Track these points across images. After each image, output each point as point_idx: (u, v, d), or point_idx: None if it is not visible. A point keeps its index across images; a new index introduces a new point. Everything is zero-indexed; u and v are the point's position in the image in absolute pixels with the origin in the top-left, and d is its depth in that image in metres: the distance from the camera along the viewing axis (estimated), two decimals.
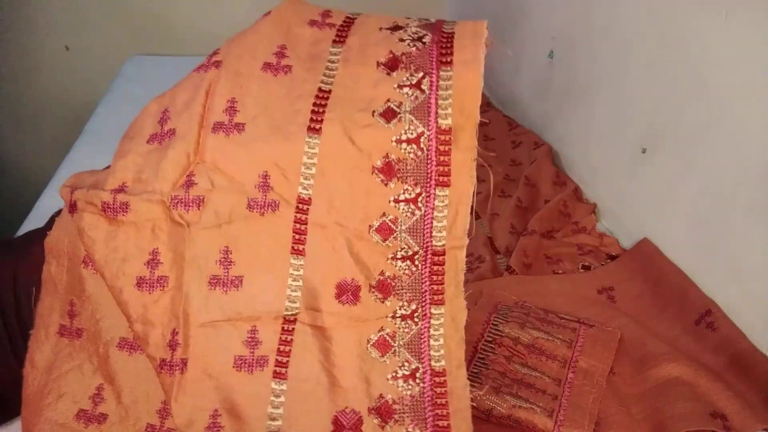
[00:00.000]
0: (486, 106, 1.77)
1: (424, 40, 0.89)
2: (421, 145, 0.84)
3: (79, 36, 2.05)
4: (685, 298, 1.04)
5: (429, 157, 0.84)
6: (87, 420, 0.83)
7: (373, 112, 0.85)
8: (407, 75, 0.87)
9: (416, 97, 0.85)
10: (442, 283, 0.84)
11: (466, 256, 1.20)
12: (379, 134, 0.84)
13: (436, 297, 0.83)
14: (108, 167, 0.91)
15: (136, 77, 1.89)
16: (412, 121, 0.85)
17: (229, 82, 0.89)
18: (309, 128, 0.85)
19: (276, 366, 0.81)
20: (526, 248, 1.22)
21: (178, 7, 2.06)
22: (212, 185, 0.85)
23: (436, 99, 0.85)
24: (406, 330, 0.83)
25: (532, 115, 1.64)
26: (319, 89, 0.87)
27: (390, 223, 0.85)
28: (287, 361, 0.81)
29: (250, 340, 0.81)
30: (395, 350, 0.83)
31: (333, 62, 0.90)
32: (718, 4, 0.95)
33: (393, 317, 0.84)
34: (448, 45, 0.87)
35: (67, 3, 1.99)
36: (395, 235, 0.85)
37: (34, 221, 1.22)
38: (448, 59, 0.86)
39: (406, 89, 0.86)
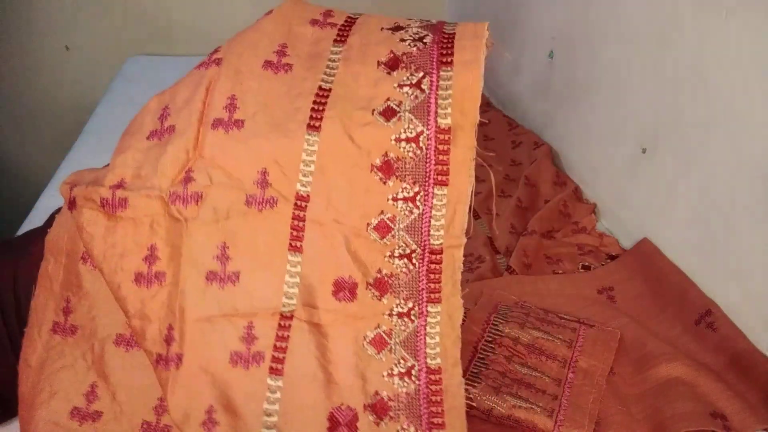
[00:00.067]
0: (486, 106, 1.77)
1: (424, 41, 0.89)
2: (420, 144, 0.85)
3: (79, 36, 2.05)
4: (685, 298, 1.04)
5: (428, 156, 0.85)
6: (81, 418, 0.83)
7: (373, 110, 0.85)
8: (407, 74, 0.87)
9: (416, 97, 0.86)
10: (439, 282, 0.84)
11: (467, 256, 1.21)
12: (378, 132, 0.85)
13: (432, 295, 0.84)
14: (108, 165, 0.92)
15: (136, 77, 1.89)
16: (411, 120, 0.85)
17: (229, 79, 0.89)
18: (308, 126, 0.85)
19: (272, 362, 0.81)
20: (526, 248, 1.22)
21: (178, 8, 2.06)
22: (211, 181, 0.85)
23: (436, 98, 0.85)
24: (403, 328, 0.83)
25: (532, 115, 1.64)
26: (320, 87, 0.88)
27: (388, 221, 0.85)
28: (283, 357, 0.81)
29: (246, 335, 0.81)
30: (391, 348, 0.83)
31: (333, 61, 0.91)
32: (718, 4, 0.95)
33: (389, 315, 0.84)
34: (449, 45, 0.88)
35: (67, 3, 1.99)
36: (393, 233, 0.85)
37: (34, 221, 1.22)
38: (449, 59, 0.86)
39: (406, 88, 0.86)
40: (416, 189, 0.85)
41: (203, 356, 0.80)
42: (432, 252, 0.84)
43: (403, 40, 0.90)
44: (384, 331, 0.83)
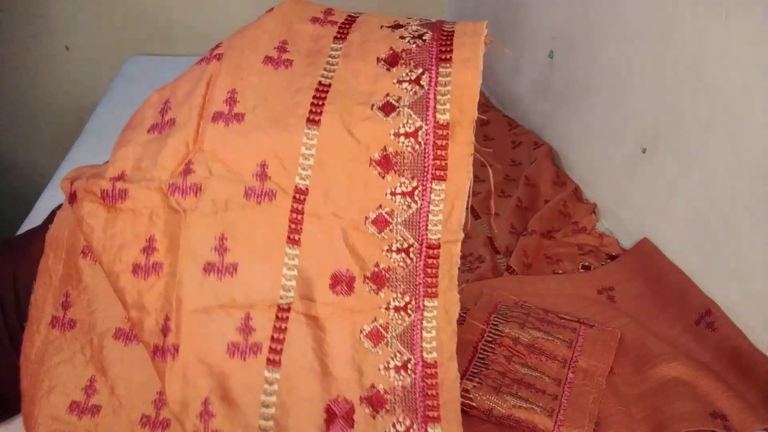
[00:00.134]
0: (486, 106, 1.77)
1: (424, 38, 0.90)
2: (419, 139, 0.85)
3: (79, 36, 2.05)
4: (685, 298, 1.04)
5: (426, 151, 0.85)
6: (80, 412, 0.83)
7: (372, 105, 0.86)
8: (407, 71, 0.88)
9: (415, 93, 0.86)
10: (436, 276, 0.84)
11: (467, 256, 1.22)
12: (377, 127, 0.85)
13: (429, 290, 0.84)
14: (109, 160, 0.92)
15: (136, 77, 1.89)
16: (410, 115, 0.86)
17: (229, 73, 0.90)
18: (308, 120, 0.86)
19: (270, 353, 0.81)
20: (526, 248, 1.22)
21: (179, 8, 2.06)
22: (210, 173, 0.85)
23: (435, 94, 0.86)
24: (399, 321, 0.84)
25: (532, 115, 1.64)
26: (319, 83, 0.89)
27: (386, 216, 0.86)
28: (281, 349, 0.81)
29: (243, 326, 0.82)
30: (388, 341, 0.83)
31: (333, 57, 0.92)
32: (718, 4, 0.95)
33: (386, 309, 0.84)
34: (448, 43, 0.88)
35: (67, 3, 1.99)
36: (391, 227, 0.86)
37: (34, 221, 1.22)
38: (448, 56, 0.87)
39: (405, 84, 0.87)
40: (414, 184, 0.85)
41: (200, 347, 0.81)
42: (429, 247, 0.85)
43: (402, 38, 0.91)
44: (381, 325, 0.84)
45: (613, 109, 1.27)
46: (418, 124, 0.85)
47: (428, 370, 0.81)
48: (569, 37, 1.43)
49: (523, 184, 1.40)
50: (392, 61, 0.89)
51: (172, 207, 0.85)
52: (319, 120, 0.86)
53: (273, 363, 0.81)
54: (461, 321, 1.02)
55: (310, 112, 0.86)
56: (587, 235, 1.28)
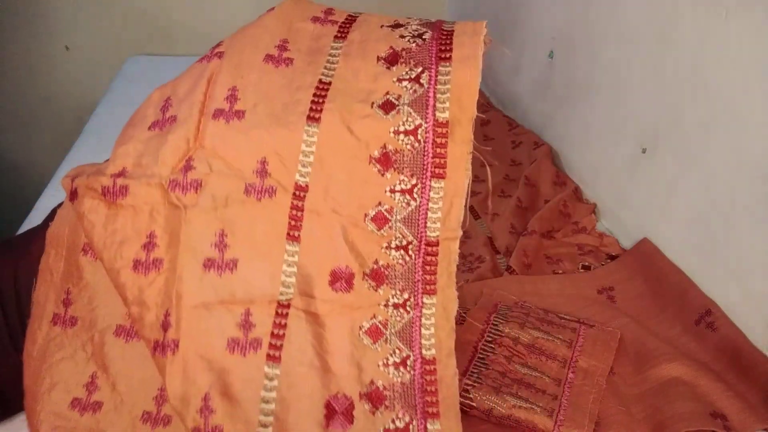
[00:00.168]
0: (486, 106, 1.77)
1: (424, 37, 0.91)
2: (419, 137, 0.86)
3: (79, 36, 2.05)
4: (685, 298, 1.05)
5: (426, 149, 0.86)
6: (82, 408, 0.83)
7: (372, 103, 0.87)
8: (407, 69, 0.89)
9: (415, 91, 0.87)
10: (435, 274, 0.85)
11: (467, 256, 1.22)
12: (377, 125, 0.86)
13: (428, 287, 0.84)
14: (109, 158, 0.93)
15: (136, 77, 1.89)
16: (410, 113, 0.86)
17: (230, 71, 0.91)
18: (308, 117, 0.86)
19: (269, 349, 0.81)
20: (526, 248, 1.22)
21: (178, 8, 2.06)
22: (210, 170, 0.86)
23: (435, 93, 0.86)
24: (398, 318, 0.84)
25: (532, 115, 1.64)
26: (320, 81, 0.89)
27: (385, 213, 0.86)
28: (281, 345, 0.81)
29: (243, 322, 0.82)
30: (387, 338, 0.83)
31: (334, 56, 0.92)
32: (718, 4, 0.95)
33: (385, 305, 0.85)
34: (448, 42, 0.89)
35: (67, 3, 1.99)
36: (390, 224, 0.86)
37: (34, 221, 1.22)
38: (447, 55, 0.88)
39: (405, 83, 0.88)
40: (414, 181, 0.86)
41: (200, 342, 0.81)
42: (428, 244, 0.85)
43: (402, 37, 0.92)
44: (380, 322, 0.84)
45: (613, 109, 1.27)
46: (417, 122, 0.86)
47: (427, 367, 0.82)
48: (569, 37, 1.43)
49: (523, 184, 1.40)
50: (392, 59, 0.89)
51: (173, 203, 0.85)
52: (320, 117, 0.86)
53: (273, 359, 0.81)
54: (461, 321, 1.02)
55: (311, 109, 0.87)
56: (587, 235, 1.28)
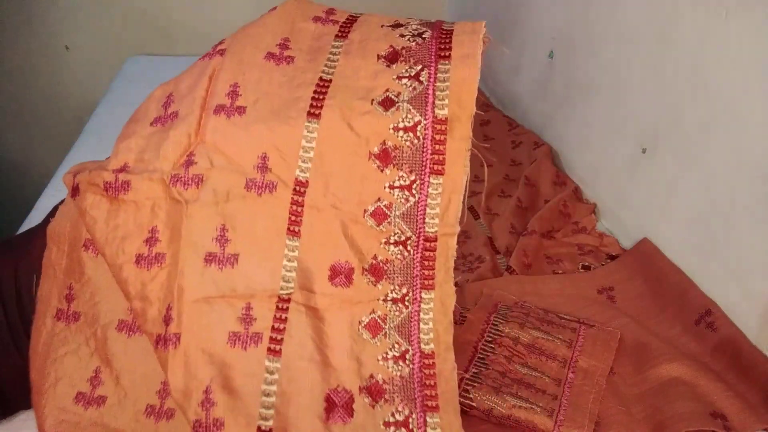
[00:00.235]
0: (486, 106, 1.77)
1: (424, 36, 0.92)
2: (418, 134, 0.87)
3: (79, 36, 2.05)
4: (685, 298, 1.05)
5: (425, 145, 0.87)
6: (86, 403, 0.84)
7: (372, 100, 0.88)
8: (406, 67, 0.90)
9: (414, 88, 0.88)
10: (433, 269, 0.86)
11: (467, 256, 1.22)
12: (377, 121, 0.87)
13: (426, 282, 0.85)
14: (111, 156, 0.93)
15: (136, 77, 1.89)
16: (409, 110, 0.87)
17: (232, 68, 0.92)
18: (309, 113, 0.87)
19: (270, 343, 0.82)
20: (526, 248, 1.22)
21: (178, 8, 2.06)
22: (212, 165, 0.87)
23: (434, 90, 0.87)
24: (397, 313, 0.85)
25: (532, 115, 1.64)
26: (320, 78, 0.90)
27: (384, 209, 0.87)
28: (281, 339, 0.82)
29: (244, 316, 0.83)
30: (386, 332, 0.84)
31: (334, 54, 0.94)
32: (718, 4, 0.95)
33: (384, 300, 0.85)
34: (447, 40, 0.90)
35: (67, 3, 1.99)
36: (389, 220, 0.87)
37: (34, 220, 1.22)
38: (447, 54, 0.89)
39: (404, 80, 0.88)
40: (412, 177, 0.87)
41: (201, 336, 0.81)
42: (426, 239, 0.86)
43: (402, 36, 0.93)
44: (379, 316, 0.85)
45: (613, 109, 1.27)
46: (417, 119, 0.87)
47: (426, 361, 0.83)
48: (569, 37, 1.43)
49: (523, 184, 1.40)
50: (392, 58, 0.90)
51: (174, 198, 0.86)
52: (320, 113, 0.87)
53: (273, 353, 0.81)
54: (461, 321, 1.02)
55: (311, 105, 0.87)
56: (587, 235, 1.28)
